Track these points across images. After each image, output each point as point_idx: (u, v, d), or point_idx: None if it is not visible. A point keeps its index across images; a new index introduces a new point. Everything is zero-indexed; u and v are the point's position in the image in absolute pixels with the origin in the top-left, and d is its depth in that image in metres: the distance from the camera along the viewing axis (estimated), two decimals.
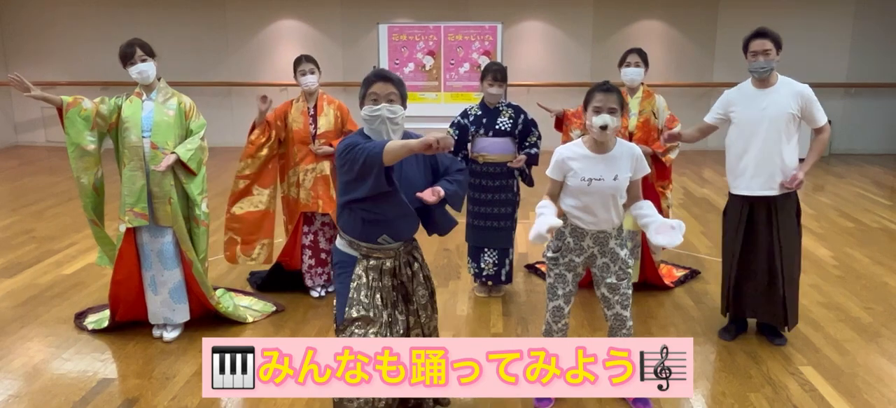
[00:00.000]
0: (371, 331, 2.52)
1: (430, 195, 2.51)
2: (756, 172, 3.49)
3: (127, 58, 3.59)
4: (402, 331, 2.70)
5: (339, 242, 2.70)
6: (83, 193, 3.68)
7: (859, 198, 7.40)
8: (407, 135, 2.61)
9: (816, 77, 9.62)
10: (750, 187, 3.53)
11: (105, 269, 4.90)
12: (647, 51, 4.36)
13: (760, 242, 3.58)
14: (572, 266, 2.94)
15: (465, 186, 2.78)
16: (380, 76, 2.57)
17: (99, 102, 3.60)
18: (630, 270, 2.96)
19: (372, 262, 2.61)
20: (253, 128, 4.17)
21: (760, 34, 3.44)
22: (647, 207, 2.91)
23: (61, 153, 10.41)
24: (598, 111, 2.75)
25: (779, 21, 10.00)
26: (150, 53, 3.64)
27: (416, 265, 2.75)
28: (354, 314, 2.53)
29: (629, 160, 2.86)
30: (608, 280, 2.93)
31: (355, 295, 2.56)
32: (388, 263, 2.63)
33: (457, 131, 4.16)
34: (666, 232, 2.74)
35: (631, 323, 2.99)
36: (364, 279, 2.59)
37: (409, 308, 2.75)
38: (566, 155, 2.85)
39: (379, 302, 2.59)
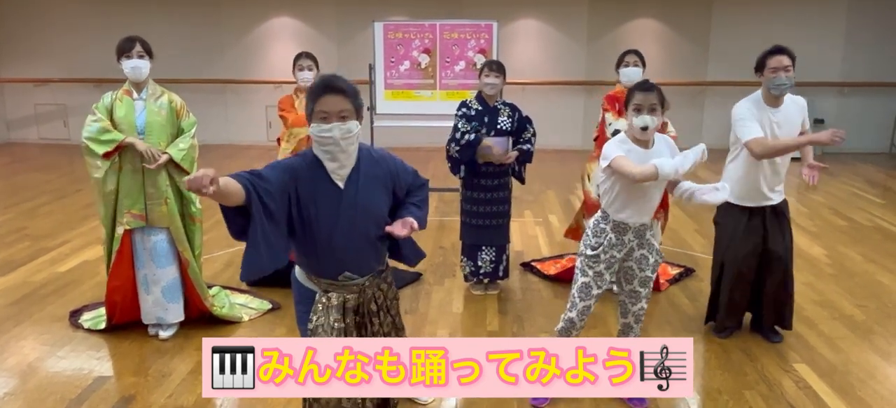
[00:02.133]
0: None
1: (400, 229, 2.22)
2: (769, 188, 3.53)
3: (124, 51, 3.51)
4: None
5: (299, 273, 2.38)
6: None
7: (852, 196, 7.45)
8: (364, 149, 2.28)
9: (809, 76, 9.66)
10: (760, 201, 3.55)
11: (99, 266, 4.90)
12: (642, 49, 4.38)
13: (773, 245, 3.59)
14: (612, 262, 2.94)
15: (427, 205, 2.48)
16: (329, 87, 2.13)
17: (104, 119, 3.51)
18: (656, 262, 3.00)
19: (334, 298, 2.27)
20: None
21: (780, 50, 3.41)
22: (687, 183, 2.90)
23: (54, 150, 10.36)
24: (638, 110, 2.76)
25: (772, 20, 10.06)
26: (149, 53, 3.58)
27: (382, 298, 2.38)
28: None
29: (668, 152, 2.88)
30: (645, 273, 2.97)
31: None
32: (351, 301, 2.28)
33: (468, 125, 4.08)
34: (712, 193, 2.77)
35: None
36: (322, 321, 2.26)
37: (369, 332, 2.39)
38: (620, 148, 2.81)
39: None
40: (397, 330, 2.48)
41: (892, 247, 5.54)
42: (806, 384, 3.28)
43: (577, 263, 3.02)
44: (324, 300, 2.27)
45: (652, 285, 3.03)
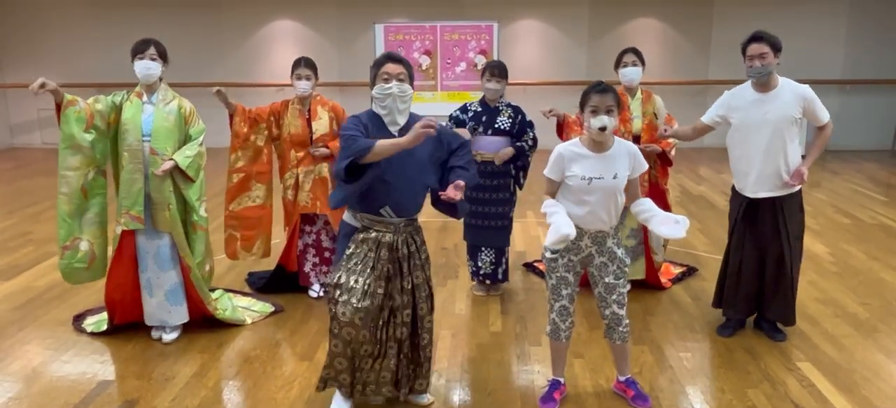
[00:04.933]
0: (351, 299, 2.67)
1: (454, 192, 2.62)
2: (759, 177, 3.50)
3: (137, 52, 3.56)
4: (390, 307, 2.78)
5: (347, 215, 2.83)
6: (66, 200, 3.52)
7: (855, 194, 7.43)
8: (414, 118, 2.73)
9: (811, 73, 9.65)
10: (754, 191, 3.54)
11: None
12: (643, 49, 4.36)
13: (769, 240, 3.58)
14: (571, 265, 2.94)
15: (473, 164, 2.88)
16: (390, 57, 2.75)
17: (93, 102, 3.50)
18: (627, 270, 2.95)
19: (372, 234, 2.72)
20: (231, 119, 4.20)
21: (756, 38, 3.42)
22: (647, 204, 2.91)
23: (57, 155, 10.38)
24: (595, 112, 2.74)
25: (773, 17, 10.05)
26: (163, 56, 3.62)
27: (414, 247, 2.81)
28: (337, 279, 2.70)
29: (627, 158, 2.85)
30: (606, 279, 2.93)
31: (345, 263, 2.73)
32: (387, 237, 2.72)
33: (453, 126, 4.17)
34: (669, 225, 2.74)
35: (628, 321, 2.99)
36: (358, 249, 2.72)
37: (404, 286, 2.79)
38: (565, 154, 2.85)
39: (368, 272, 2.69)
40: (427, 290, 2.87)
41: (895, 244, 5.52)
42: (810, 383, 3.27)
43: (545, 264, 3.05)
44: (362, 235, 2.74)
45: (621, 294, 2.94)
